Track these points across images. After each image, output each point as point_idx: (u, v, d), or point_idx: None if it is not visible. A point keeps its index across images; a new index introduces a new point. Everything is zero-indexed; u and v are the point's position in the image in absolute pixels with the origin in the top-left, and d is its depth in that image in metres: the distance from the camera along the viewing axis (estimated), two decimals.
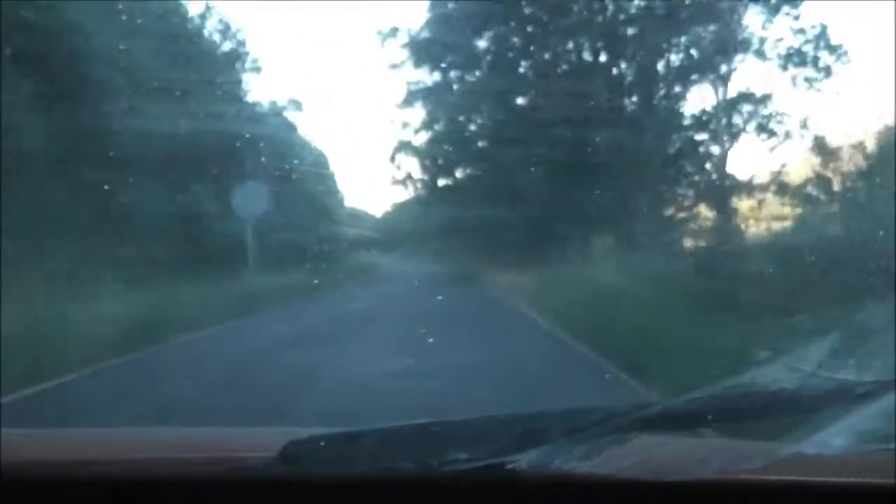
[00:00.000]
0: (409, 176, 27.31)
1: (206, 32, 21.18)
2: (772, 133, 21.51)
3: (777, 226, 18.56)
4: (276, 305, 14.08)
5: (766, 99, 21.58)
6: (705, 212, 22.04)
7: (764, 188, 20.76)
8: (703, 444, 1.36)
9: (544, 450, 1.05)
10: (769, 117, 21.60)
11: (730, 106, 21.70)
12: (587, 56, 22.88)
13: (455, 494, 1.12)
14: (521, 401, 5.41)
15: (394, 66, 24.69)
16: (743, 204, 21.39)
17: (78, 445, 1.38)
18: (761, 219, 20.01)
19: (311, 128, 43.00)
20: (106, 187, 13.60)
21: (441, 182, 27.38)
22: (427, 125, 26.31)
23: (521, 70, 24.39)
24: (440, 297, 15.45)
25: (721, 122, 21.79)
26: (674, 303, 10.07)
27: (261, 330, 11.30)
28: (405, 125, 26.48)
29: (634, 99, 22.44)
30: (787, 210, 19.07)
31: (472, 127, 25.86)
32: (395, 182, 27.40)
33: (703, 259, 13.54)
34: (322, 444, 1.07)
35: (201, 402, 5.71)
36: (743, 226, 20.36)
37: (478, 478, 1.07)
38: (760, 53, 21.29)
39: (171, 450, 1.32)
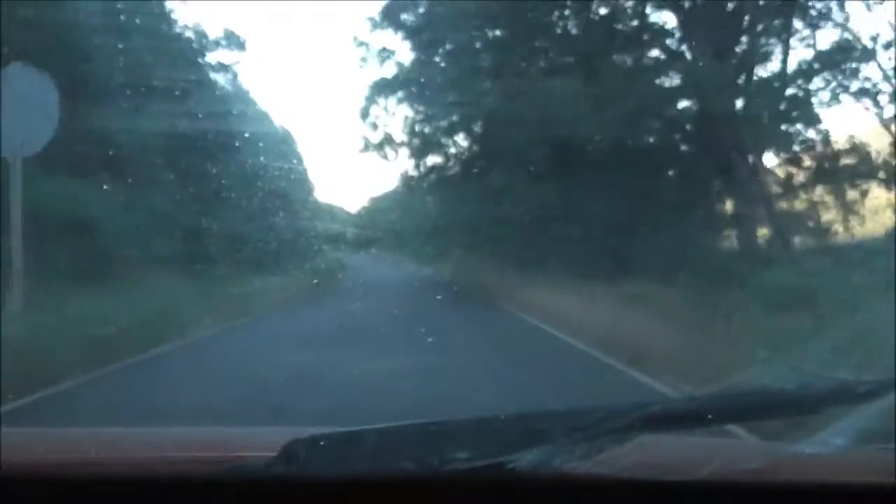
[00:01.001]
0: (388, 139, 18.05)
1: None
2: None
3: None
4: None
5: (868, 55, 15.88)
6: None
7: None
8: (703, 444, 1.36)
9: (544, 450, 1.05)
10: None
11: (821, 64, 16.18)
12: None
13: (455, 494, 1.13)
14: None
15: None
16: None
17: (78, 445, 1.37)
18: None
19: (261, 81, 34.61)
20: None
21: (433, 156, 18.89)
22: (415, 66, 17.13)
23: None
24: (459, 330, 10.33)
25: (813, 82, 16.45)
26: None
27: None
28: (384, 55, 17.04)
29: (705, 36, 15.71)
30: None
31: (485, 64, 16.30)
32: (370, 147, 18.30)
33: None
34: (322, 443, 1.07)
35: None
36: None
37: (478, 478, 1.07)
38: None
39: (171, 450, 1.32)
